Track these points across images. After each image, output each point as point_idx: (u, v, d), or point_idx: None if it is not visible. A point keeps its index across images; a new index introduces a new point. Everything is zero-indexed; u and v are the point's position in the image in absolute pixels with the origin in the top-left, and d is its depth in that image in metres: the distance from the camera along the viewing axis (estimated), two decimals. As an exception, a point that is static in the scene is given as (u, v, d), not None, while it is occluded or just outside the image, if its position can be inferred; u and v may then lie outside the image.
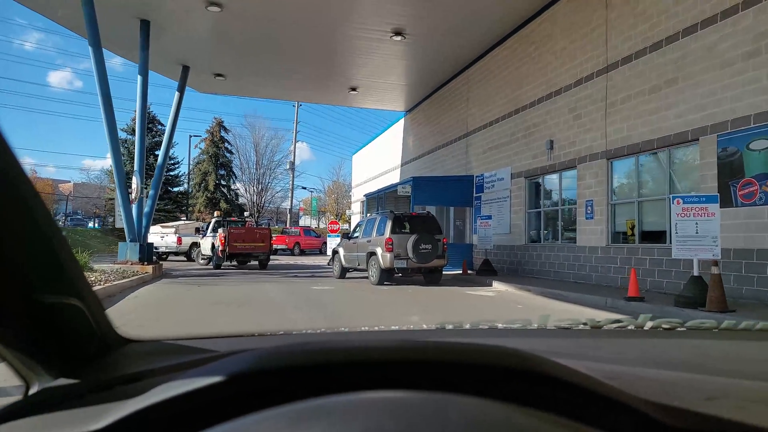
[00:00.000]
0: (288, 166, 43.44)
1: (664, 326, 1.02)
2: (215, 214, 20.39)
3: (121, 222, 14.68)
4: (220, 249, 16.85)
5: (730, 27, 8.14)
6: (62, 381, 0.57)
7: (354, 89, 20.09)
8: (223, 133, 42.19)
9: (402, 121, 23.76)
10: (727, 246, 7.63)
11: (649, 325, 1.02)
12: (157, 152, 35.91)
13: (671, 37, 9.30)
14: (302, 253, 30.20)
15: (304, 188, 59.48)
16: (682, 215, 7.23)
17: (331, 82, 19.45)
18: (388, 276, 11.87)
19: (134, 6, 13.03)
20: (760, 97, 7.62)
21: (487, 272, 13.22)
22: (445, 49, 15.67)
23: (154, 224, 25.85)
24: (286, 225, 39.49)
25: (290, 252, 29.84)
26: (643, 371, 0.68)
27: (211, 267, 17.55)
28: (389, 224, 11.83)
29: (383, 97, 21.65)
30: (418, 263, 11.62)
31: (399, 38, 14.64)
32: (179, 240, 22.00)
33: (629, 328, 1.03)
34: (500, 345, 0.47)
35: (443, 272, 12.44)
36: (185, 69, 17.27)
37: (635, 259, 9.83)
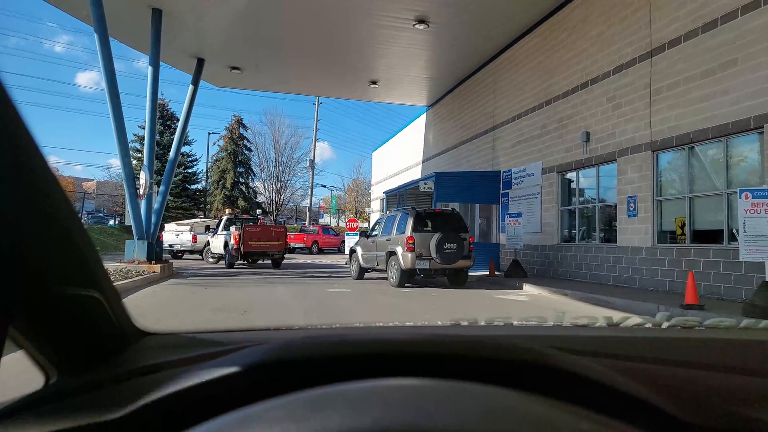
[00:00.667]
0: (308, 164, 42.91)
1: (682, 325, 1.02)
2: (227, 211, 19.78)
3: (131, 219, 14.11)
4: (234, 247, 16.24)
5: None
6: (82, 372, 0.59)
7: (374, 82, 19.30)
8: (242, 131, 41.78)
9: (424, 117, 22.90)
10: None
11: (666, 324, 1.01)
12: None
13: (727, 15, 8.29)
14: (321, 251, 29.64)
15: (324, 186, 59.02)
16: (752, 211, 6.26)
17: (351, 75, 18.67)
18: (409, 277, 11.06)
19: (145, -7, 12.46)
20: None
21: (516, 274, 12.30)
22: (470, 38, 14.77)
23: (169, 222, 25.60)
24: (305, 223, 38.88)
25: (308, 250, 29.29)
26: (659, 368, 0.67)
27: (223, 265, 16.91)
28: (411, 221, 10.99)
29: (405, 91, 20.81)
30: (442, 264, 10.77)
31: (422, 26, 13.80)
32: (194, 238, 21.41)
33: (646, 326, 1.03)
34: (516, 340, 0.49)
35: (468, 273, 11.59)
36: (200, 62, 16.70)
37: (686, 261, 8.83)
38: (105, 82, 12.32)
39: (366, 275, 13.07)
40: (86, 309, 0.57)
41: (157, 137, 34.04)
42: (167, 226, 23.03)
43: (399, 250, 10.94)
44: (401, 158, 25.95)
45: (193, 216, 32.06)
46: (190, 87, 16.87)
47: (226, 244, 16.83)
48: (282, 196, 44.15)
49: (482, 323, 0.99)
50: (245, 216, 20.41)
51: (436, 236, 10.70)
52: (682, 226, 9.16)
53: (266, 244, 16.64)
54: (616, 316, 1.07)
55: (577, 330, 1.01)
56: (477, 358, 0.45)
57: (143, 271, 11.81)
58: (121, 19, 13.39)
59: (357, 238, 14.52)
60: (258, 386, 0.41)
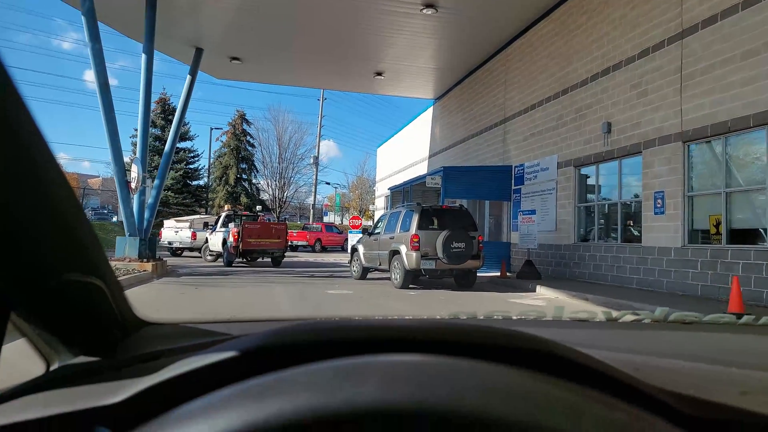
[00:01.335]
0: (312, 161, 42.15)
1: (682, 321, 1.00)
2: (225, 207, 19.02)
3: (122, 214, 13.38)
4: (232, 245, 15.49)
5: None
6: (82, 359, 0.59)
7: (380, 74, 18.49)
8: (245, 126, 41.01)
9: (430, 110, 22.08)
10: None
11: (665, 319, 1.00)
12: (177, 144, 35.11)
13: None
14: (324, 249, 28.91)
15: (328, 183, 57.98)
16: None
17: (356, 66, 17.86)
18: (413, 278, 10.27)
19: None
20: None
21: (529, 275, 11.46)
22: (481, 24, 13.93)
23: (168, 218, 24.90)
24: (308, 221, 38.14)
25: (311, 249, 28.55)
26: (659, 361, 0.67)
27: (221, 264, 16.16)
28: (416, 218, 10.19)
29: (411, 83, 19.99)
30: (449, 264, 9.98)
31: (430, 11, 12.97)
32: (194, 235, 20.65)
33: (646, 321, 1.02)
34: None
35: (477, 274, 10.79)
36: (198, 51, 15.97)
37: (722, 263, 7.98)
38: (93, 67, 11.57)
39: (369, 275, 12.30)
40: (88, 296, 0.58)
41: (158, 132, 33.58)
42: (166, 223, 22.32)
43: (403, 249, 10.15)
44: (407, 154, 25.14)
45: (195, 212, 31.37)
46: (188, 77, 16.15)
47: (224, 242, 16.09)
48: (285, 194, 43.42)
49: (481, 317, 0.98)
50: (245, 213, 19.58)
51: (443, 234, 9.91)
52: (717, 225, 8.29)
53: (266, 241, 15.93)
54: (615, 312, 1.07)
55: (576, 324, 1.05)
56: (474, 345, 0.43)
57: (133, 269, 11.04)
58: (112, 3, 12.66)
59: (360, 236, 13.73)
60: (258, 369, 0.39)
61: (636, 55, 10.04)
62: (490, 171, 14.80)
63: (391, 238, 10.71)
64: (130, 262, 11.81)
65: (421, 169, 21.48)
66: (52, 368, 0.58)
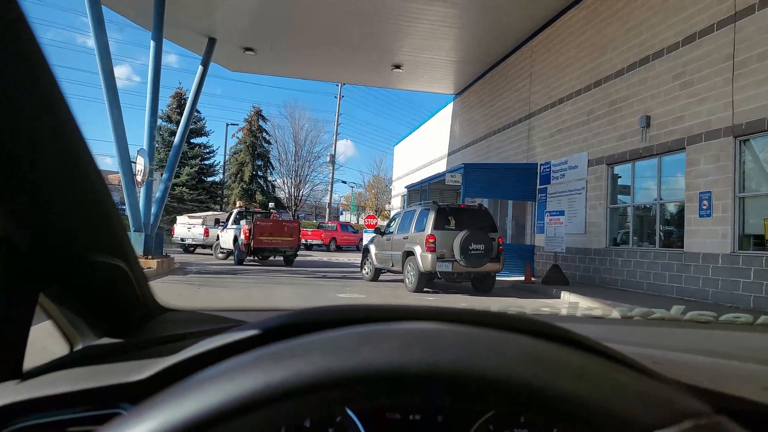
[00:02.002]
0: (328, 159, 41.60)
1: (698, 320, 1.00)
2: (237, 204, 18.45)
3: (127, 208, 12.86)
4: (243, 243, 14.92)
5: None
6: (106, 340, 0.61)
7: (398, 66, 17.75)
8: (261, 123, 40.58)
9: (450, 106, 21.27)
10: None
11: (681, 317, 0.99)
12: (192, 140, 34.77)
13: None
14: (338, 249, 28.39)
15: (344, 182, 57.55)
16: None
17: (374, 57, 17.13)
18: (428, 281, 9.54)
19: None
20: None
21: (556, 281, 10.63)
22: (505, 13, 13.10)
23: (181, 214, 24.49)
24: (324, 220, 37.57)
25: (326, 248, 28.01)
26: (676, 355, 0.66)
27: (232, 262, 15.60)
28: (432, 218, 9.45)
29: (431, 77, 19.21)
30: (466, 267, 9.23)
31: (451, -3, 12.21)
32: (206, 232, 20.16)
33: (661, 319, 1.01)
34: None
35: (497, 278, 10.01)
36: (211, 41, 15.44)
37: (780, 273, 7.08)
38: (98, 56, 11.03)
39: (381, 276, 11.60)
40: (113, 279, 0.59)
41: (173, 127, 33.29)
42: (179, 219, 21.90)
43: (417, 249, 9.42)
44: (425, 152, 24.36)
45: (209, 209, 30.99)
46: (200, 68, 15.66)
47: (235, 239, 15.53)
48: (301, 192, 42.91)
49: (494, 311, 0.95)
50: (257, 210, 18.99)
51: (461, 235, 9.17)
52: (774, 229, 7.39)
53: (278, 239, 15.34)
54: (631, 310, 1.07)
55: (591, 320, 1.07)
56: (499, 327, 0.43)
57: (135, 266, 10.49)
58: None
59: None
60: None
61: (680, 42, 9.15)
62: (513, 169, 13.97)
63: (405, 238, 10.00)
64: (133, 258, 11.28)
65: (440, 168, 20.70)
66: (75, 349, 0.60)
